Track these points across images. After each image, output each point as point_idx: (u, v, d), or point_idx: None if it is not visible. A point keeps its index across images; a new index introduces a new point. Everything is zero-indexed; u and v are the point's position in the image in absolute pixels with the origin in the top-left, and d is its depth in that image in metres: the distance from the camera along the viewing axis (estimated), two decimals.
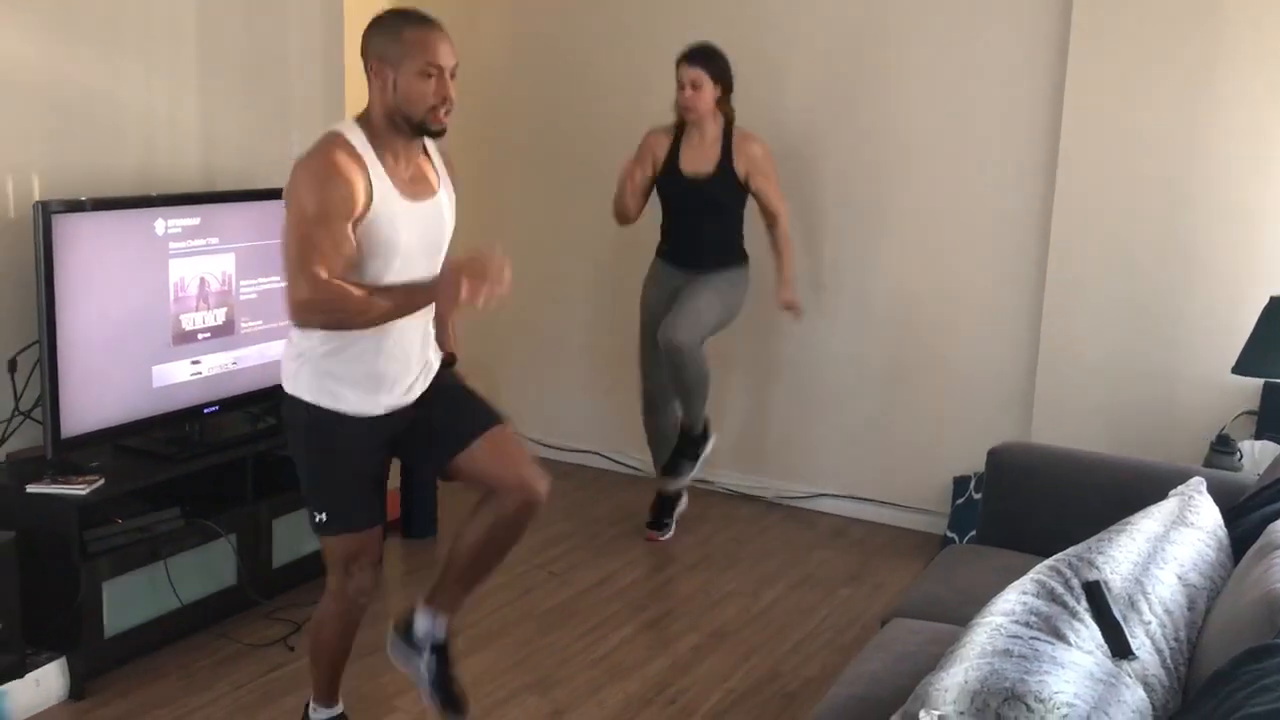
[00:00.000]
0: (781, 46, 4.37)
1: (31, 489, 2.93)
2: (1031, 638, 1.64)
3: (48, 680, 2.92)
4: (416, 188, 2.48)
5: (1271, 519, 2.11)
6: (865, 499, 4.44)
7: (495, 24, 4.90)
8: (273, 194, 3.57)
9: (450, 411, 2.60)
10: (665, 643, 3.41)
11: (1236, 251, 3.72)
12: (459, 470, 2.58)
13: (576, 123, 4.78)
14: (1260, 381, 3.60)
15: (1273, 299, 3.32)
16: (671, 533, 4.19)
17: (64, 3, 3.24)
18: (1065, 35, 3.88)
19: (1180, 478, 2.44)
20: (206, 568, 3.26)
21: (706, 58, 3.84)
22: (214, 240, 3.34)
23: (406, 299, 2.42)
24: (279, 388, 3.56)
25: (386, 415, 2.52)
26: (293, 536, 3.53)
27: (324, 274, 2.32)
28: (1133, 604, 1.81)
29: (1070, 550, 1.96)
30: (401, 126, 2.42)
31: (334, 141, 2.40)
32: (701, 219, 3.95)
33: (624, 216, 4.00)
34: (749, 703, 3.08)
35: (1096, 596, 1.77)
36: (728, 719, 2.99)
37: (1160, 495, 2.29)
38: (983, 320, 4.18)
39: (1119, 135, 3.83)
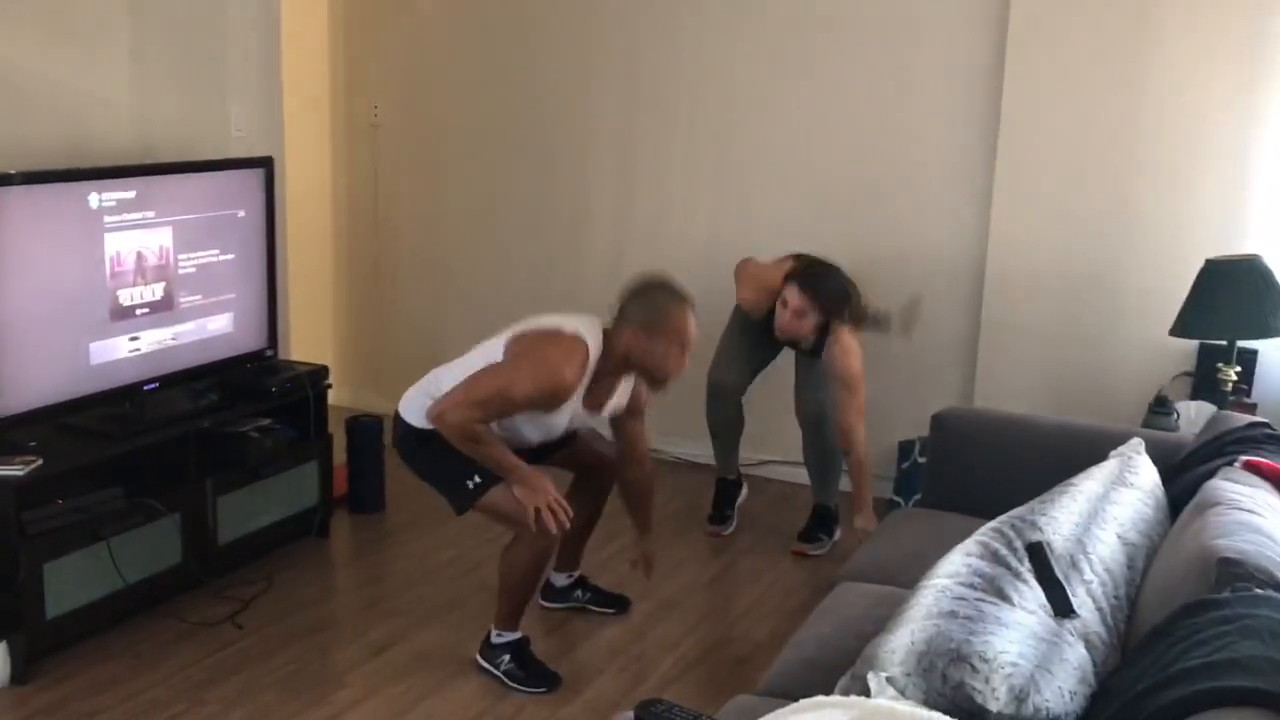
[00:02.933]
0: (729, 10, 4.36)
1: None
2: (976, 599, 1.67)
3: None
4: (597, 401, 2.94)
5: (1207, 478, 2.16)
6: None
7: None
8: (210, 165, 3.53)
9: None
10: (617, 611, 3.42)
11: (1173, 217, 3.79)
12: (561, 459, 3.16)
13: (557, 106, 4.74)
14: (1196, 343, 3.68)
15: (1207, 262, 3.38)
16: (733, 527, 4.11)
17: None
18: (1005, 2, 3.90)
19: (1120, 439, 2.48)
20: (151, 547, 3.22)
21: (820, 289, 3.59)
22: (150, 213, 3.27)
23: (504, 466, 2.81)
24: (220, 364, 3.55)
25: None
26: (238, 514, 3.49)
27: (480, 421, 2.76)
28: (1074, 563, 1.84)
29: (1013, 512, 1.99)
30: (633, 371, 2.91)
31: (580, 356, 2.79)
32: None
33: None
34: (700, 668, 3.11)
35: (1039, 557, 1.80)
36: (680, 684, 3.01)
37: (1101, 456, 2.34)
38: (925, 286, 4.22)
39: (1058, 104, 3.87)
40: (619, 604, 3.41)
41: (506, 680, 2.97)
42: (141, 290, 3.27)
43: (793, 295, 3.61)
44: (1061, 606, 1.71)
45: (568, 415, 2.90)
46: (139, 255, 3.25)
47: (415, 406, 2.92)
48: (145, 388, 3.31)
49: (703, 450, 4.27)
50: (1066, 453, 2.58)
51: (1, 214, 2.87)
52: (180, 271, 3.39)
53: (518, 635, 3.03)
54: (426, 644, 3.16)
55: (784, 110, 4.33)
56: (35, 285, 2.97)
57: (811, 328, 3.67)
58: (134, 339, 3.27)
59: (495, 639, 3.02)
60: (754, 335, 3.89)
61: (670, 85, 4.49)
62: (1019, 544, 1.84)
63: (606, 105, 4.60)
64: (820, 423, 3.87)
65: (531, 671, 2.99)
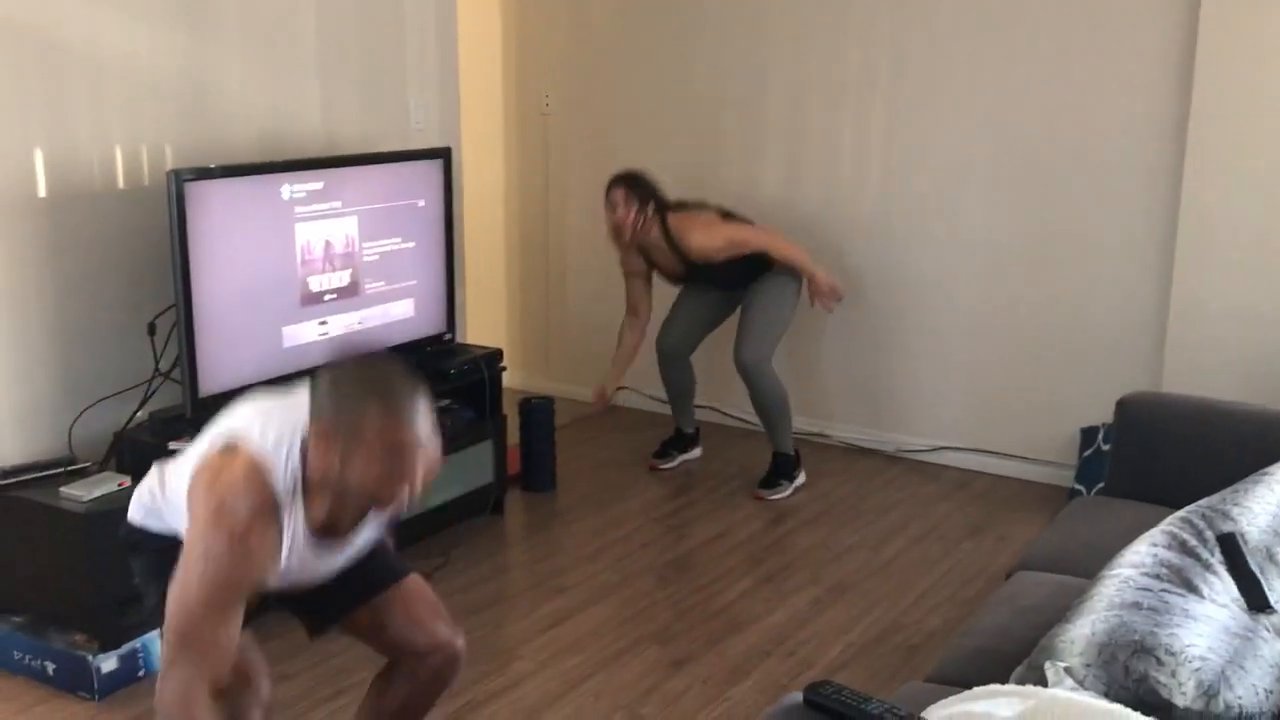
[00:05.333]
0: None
1: (174, 446, 3.07)
2: (1162, 590, 1.61)
3: None
4: (332, 527, 1.98)
5: None
6: (989, 451, 4.36)
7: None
8: (392, 157, 3.68)
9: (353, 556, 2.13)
10: (784, 595, 3.41)
11: None
12: (360, 624, 2.19)
13: (690, 89, 4.75)
14: None
15: None
16: (674, 464, 4.39)
17: None
18: None
19: None
20: None
21: (618, 180, 4.05)
22: (337, 204, 3.43)
23: None
24: (401, 347, 3.69)
25: None
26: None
27: (199, 683, 1.80)
28: (1271, 556, 1.75)
29: (1203, 501, 1.91)
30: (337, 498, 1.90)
31: (255, 494, 1.84)
32: (705, 279, 4.16)
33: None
34: (870, 655, 3.08)
35: (1232, 548, 1.72)
36: (848, 671, 2.99)
37: None
38: (1111, 265, 4.05)
39: (1257, 66, 3.64)
40: None
41: None
42: (330, 277, 3.44)
43: (609, 195, 4.05)
44: (1257, 600, 1.64)
45: (290, 559, 1.94)
46: (327, 244, 3.41)
47: (135, 502, 2.14)
48: None
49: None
50: (1262, 440, 2.45)
51: (204, 205, 3.06)
52: (365, 259, 3.54)
53: None
54: (597, 620, 3.23)
55: (962, 90, 4.22)
56: (234, 272, 3.16)
57: (630, 216, 4.00)
58: (323, 323, 3.44)
59: None
60: (697, 295, 4.27)
61: (841, 73, 4.43)
62: (1209, 534, 1.76)
63: (775, 93, 4.57)
64: (754, 376, 4.08)
65: None
